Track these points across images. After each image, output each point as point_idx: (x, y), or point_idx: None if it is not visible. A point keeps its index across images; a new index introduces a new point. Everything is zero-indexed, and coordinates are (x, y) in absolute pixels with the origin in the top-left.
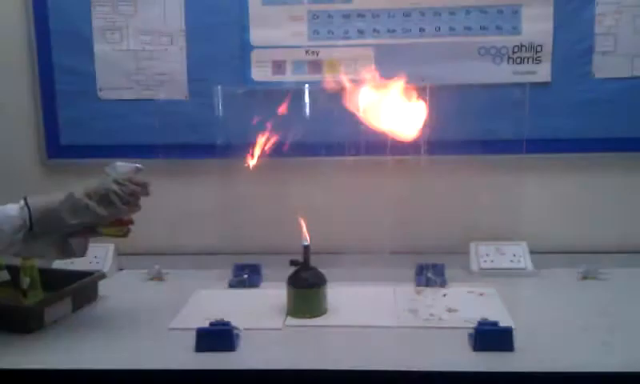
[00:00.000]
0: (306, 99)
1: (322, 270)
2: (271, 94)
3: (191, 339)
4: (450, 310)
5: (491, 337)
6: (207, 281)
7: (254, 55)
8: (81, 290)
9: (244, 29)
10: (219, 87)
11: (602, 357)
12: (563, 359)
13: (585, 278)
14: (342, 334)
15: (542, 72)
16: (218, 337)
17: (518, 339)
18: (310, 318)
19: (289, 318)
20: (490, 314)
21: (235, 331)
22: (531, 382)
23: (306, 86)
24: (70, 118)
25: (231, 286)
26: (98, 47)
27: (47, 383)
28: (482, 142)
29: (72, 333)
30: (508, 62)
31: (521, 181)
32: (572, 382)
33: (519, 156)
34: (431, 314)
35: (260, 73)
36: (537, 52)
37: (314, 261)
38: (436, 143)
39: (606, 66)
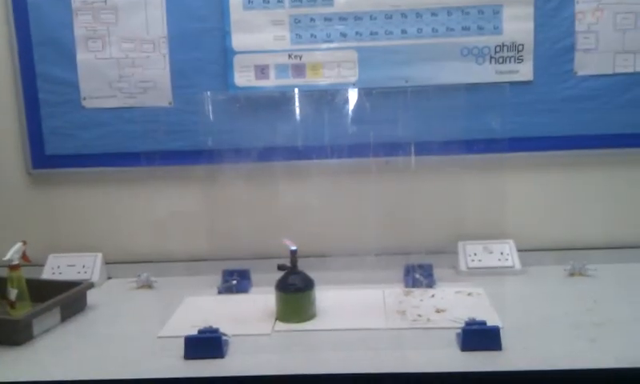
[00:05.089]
0: (296, 103)
1: (311, 274)
2: (255, 98)
3: (180, 347)
4: (438, 311)
5: (478, 336)
6: (196, 287)
7: (237, 60)
8: (69, 300)
9: (226, 34)
10: (207, 93)
11: (590, 353)
12: (551, 357)
13: (572, 274)
14: (331, 337)
15: (524, 71)
16: (206, 344)
17: (506, 338)
18: (298, 322)
19: (278, 322)
20: (478, 314)
21: (224, 338)
22: (519, 381)
23: (296, 90)
24: (54, 128)
25: (220, 292)
26: (81, 56)
27: None
28: (467, 142)
29: (61, 344)
30: (490, 62)
31: (506, 179)
32: (560, 379)
33: (504, 155)
34: (419, 315)
35: (243, 78)
36: (518, 51)
37: (302, 264)
38: (421, 144)
39: (587, 64)
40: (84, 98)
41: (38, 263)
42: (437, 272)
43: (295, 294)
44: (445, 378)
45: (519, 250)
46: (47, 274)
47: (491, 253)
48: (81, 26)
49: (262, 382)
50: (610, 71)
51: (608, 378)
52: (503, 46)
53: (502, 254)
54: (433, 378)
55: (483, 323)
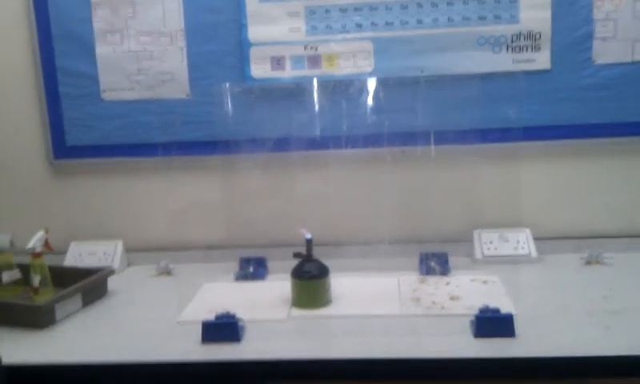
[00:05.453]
0: (311, 94)
1: (326, 262)
2: (271, 90)
3: (198, 332)
4: (452, 298)
5: (492, 323)
6: (214, 274)
7: (253, 52)
8: (90, 286)
9: (242, 26)
10: (224, 84)
11: (604, 341)
12: (564, 344)
13: (588, 262)
14: (346, 323)
15: (542, 59)
16: (223, 328)
17: (520, 325)
18: (313, 308)
19: (293, 309)
20: (493, 301)
21: (240, 323)
22: (531, 367)
23: (315, 80)
24: (74, 120)
25: (237, 279)
26: (100, 49)
27: (59, 378)
28: (483, 131)
29: (82, 328)
30: (507, 51)
31: (523, 168)
32: (573, 366)
33: (521, 143)
34: (434, 302)
35: (259, 69)
36: (535, 40)
37: (318, 253)
38: (437, 133)
39: (606, 52)
40: (103, 91)
41: (60, 251)
42: (452, 260)
43: (310, 280)
44: (458, 364)
45: (535, 239)
46: (69, 261)
47: (507, 241)
48: (99, 20)
49: (277, 365)
50: (628, 59)
51: (621, 366)
52: (520, 34)
53: (517, 242)
54: (446, 363)
55: (497, 311)
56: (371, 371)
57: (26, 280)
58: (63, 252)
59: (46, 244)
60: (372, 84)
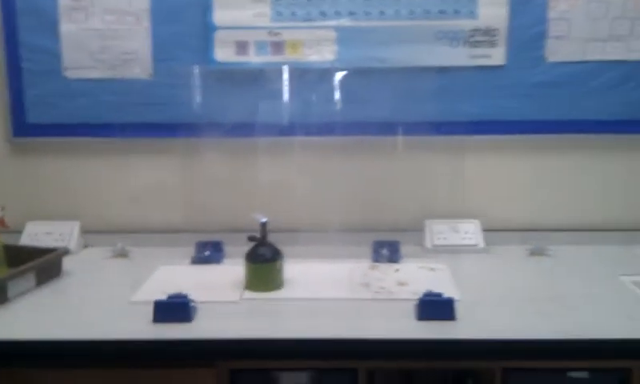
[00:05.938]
0: (274, 80)
1: (282, 248)
2: (234, 74)
3: (151, 312)
4: (400, 284)
5: (434, 307)
6: (170, 258)
7: (218, 35)
8: (44, 265)
9: (207, 9)
10: (187, 66)
11: (540, 326)
12: (502, 328)
13: (533, 254)
14: (296, 305)
15: (497, 55)
16: (174, 308)
17: (462, 310)
18: (266, 291)
19: (246, 291)
20: (438, 287)
21: (192, 304)
22: (468, 348)
23: (279, 66)
24: (36, 97)
25: (193, 262)
26: (64, 26)
27: (10, 354)
28: (438, 124)
29: (35, 307)
30: (464, 46)
31: (474, 161)
32: (507, 348)
33: (473, 137)
34: (382, 287)
35: (223, 53)
36: (492, 36)
37: (275, 239)
38: (394, 124)
39: (558, 50)
40: (66, 69)
41: (16, 230)
42: (403, 249)
43: (263, 264)
44: (400, 345)
45: (484, 230)
46: (25, 240)
47: (457, 232)
48: None
49: (227, 344)
50: (580, 58)
51: (554, 349)
52: (477, 30)
53: (466, 233)
54: (389, 343)
55: (439, 295)
56: (318, 351)
57: None
58: (19, 231)
59: (2, 221)
60: (333, 73)
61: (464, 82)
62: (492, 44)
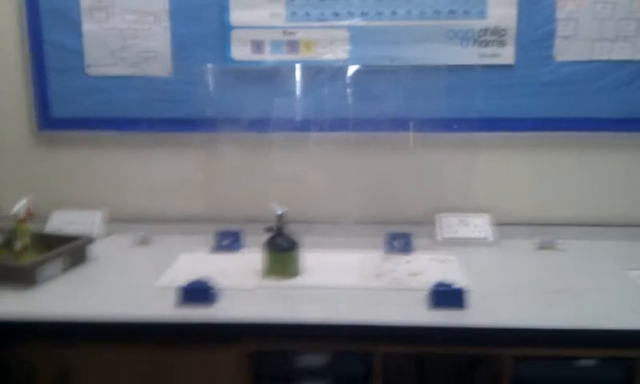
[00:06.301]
0: (289, 78)
1: (298, 238)
2: (251, 72)
3: (174, 296)
4: (411, 274)
5: (445, 296)
6: (191, 246)
7: (234, 35)
8: (71, 251)
9: (224, 9)
10: (206, 65)
11: (546, 316)
12: (509, 317)
13: (541, 248)
14: (311, 292)
15: (506, 55)
16: (197, 293)
17: (472, 300)
18: (283, 278)
19: (264, 278)
20: (448, 278)
21: (213, 289)
22: (477, 335)
23: (294, 64)
24: (59, 93)
25: (213, 251)
26: (86, 26)
27: (41, 332)
28: (449, 120)
29: (63, 289)
30: (474, 45)
31: (484, 157)
32: (515, 335)
33: (483, 134)
34: (394, 278)
35: (240, 52)
36: (501, 35)
37: (291, 230)
38: (407, 121)
39: (566, 50)
40: (88, 66)
41: (42, 219)
42: (415, 241)
43: (281, 253)
44: (413, 330)
45: (494, 224)
46: (51, 228)
47: (467, 225)
48: None
49: (247, 327)
50: (587, 58)
51: (558, 337)
52: (487, 30)
53: (476, 226)
54: (403, 329)
55: (450, 285)
56: (335, 335)
57: (8, 245)
58: (45, 220)
59: (29, 211)
60: (346, 71)
61: (474, 81)
62: (501, 43)
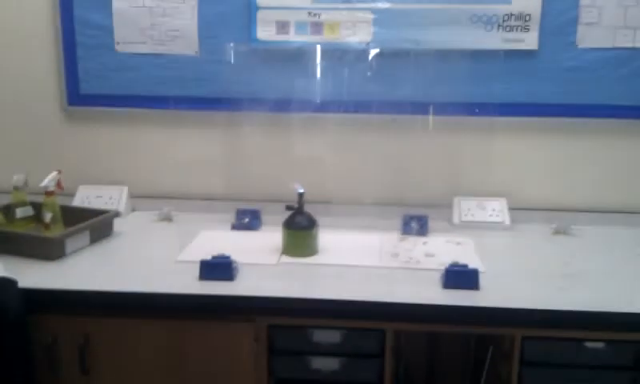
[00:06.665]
0: (312, 59)
1: (316, 218)
2: (275, 52)
3: (196, 270)
4: (427, 255)
5: (459, 276)
6: (212, 223)
7: (260, 15)
8: (97, 225)
9: None
10: (231, 44)
11: (557, 298)
12: (520, 298)
13: (557, 233)
14: (329, 270)
15: (530, 40)
16: (218, 267)
17: (485, 281)
18: (302, 256)
19: (283, 256)
20: (463, 260)
21: (234, 264)
22: (489, 315)
23: (318, 46)
24: (89, 69)
25: (233, 228)
26: (116, 3)
27: (69, 302)
28: (470, 105)
29: (90, 261)
30: (498, 30)
31: (503, 141)
32: (526, 316)
33: (503, 118)
34: (410, 258)
35: (265, 32)
36: (525, 21)
37: (309, 210)
38: (427, 104)
39: (589, 37)
40: (117, 43)
41: (69, 193)
42: (432, 223)
43: (300, 231)
44: (425, 309)
45: (510, 208)
46: (77, 202)
47: (484, 209)
48: None
49: (266, 301)
50: (610, 45)
51: (565, 319)
52: (511, 15)
53: (493, 210)
54: (416, 307)
55: (464, 266)
56: (349, 311)
57: (37, 217)
58: (72, 194)
59: (58, 184)
60: (369, 54)
61: (497, 66)
62: (525, 29)
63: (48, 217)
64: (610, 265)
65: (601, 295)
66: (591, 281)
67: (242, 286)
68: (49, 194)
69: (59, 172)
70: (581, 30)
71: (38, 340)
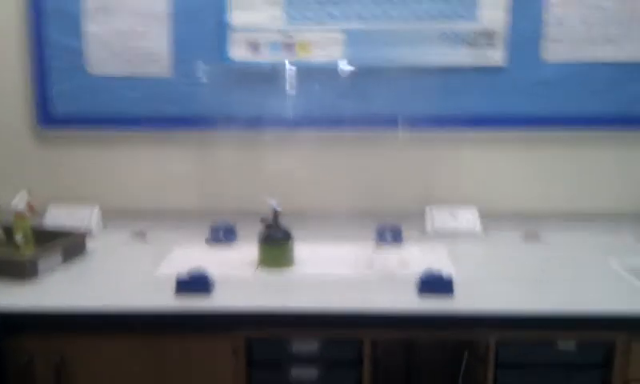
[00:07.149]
0: (284, 78)
1: (292, 230)
2: (248, 72)
3: (172, 285)
4: (402, 264)
5: (433, 283)
6: (186, 239)
7: (233, 36)
8: (70, 243)
9: (224, 11)
10: (204, 65)
11: (529, 301)
12: (495, 303)
13: (527, 239)
14: (305, 281)
15: (497, 56)
16: (195, 282)
17: (459, 287)
18: (277, 269)
19: (259, 268)
20: (437, 267)
21: (210, 278)
22: (464, 319)
23: (287, 65)
24: (61, 91)
25: (208, 243)
26: (89, 26)
27: (42, 322)
28: (440, 118)
29: (64, 281)
30: (466, 47)
31: (473, 153)
32: (499, 320)
33: (473, 131)
34: (385, 266)
35: (238, 52)
36: (492, 38)
37: (285, 222)
38: (399, 119)
39: (555, 52)
40: (90, 66)
41: (39, 213)
42: (406, 233)
43: (275, 243)
44: (402, 316)
45: (482, 217)
46: (48, 222)
47: (455, 217)
48: None
49: (243, 314)
50: (574, 60)
51: (536, 322)
52: (479, 32)
53: (465, 219)
54: (392, 316)
55: (438, 273)
56: (327, 322)
57: (8, 240)
58: (42, 215)
59: (30, 206)
60: (341, 72)
61: (466, 81)
62: (491, 45)
63: (18, 238)
64: (579, 268)
65: (571, 297)
66: (561, 284)
67: (219, 300)
68: (19, 214)
69: (29, 192)
70: (547, 45)
71: (13, 361)
